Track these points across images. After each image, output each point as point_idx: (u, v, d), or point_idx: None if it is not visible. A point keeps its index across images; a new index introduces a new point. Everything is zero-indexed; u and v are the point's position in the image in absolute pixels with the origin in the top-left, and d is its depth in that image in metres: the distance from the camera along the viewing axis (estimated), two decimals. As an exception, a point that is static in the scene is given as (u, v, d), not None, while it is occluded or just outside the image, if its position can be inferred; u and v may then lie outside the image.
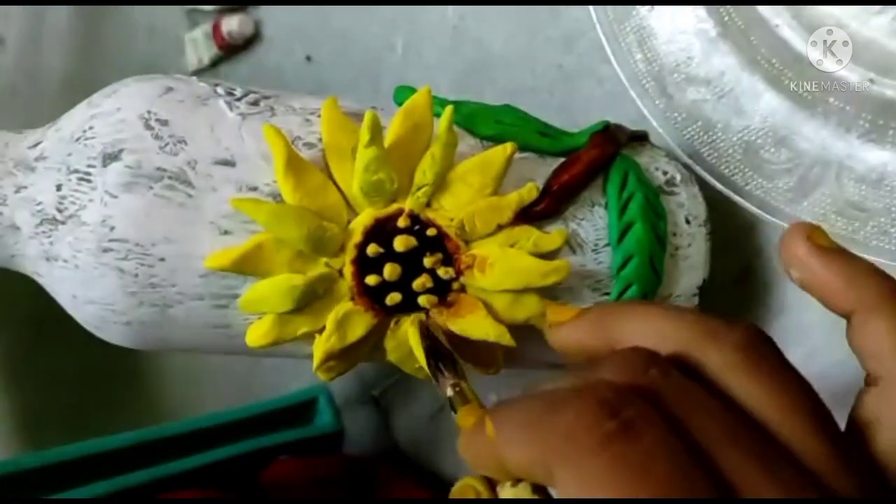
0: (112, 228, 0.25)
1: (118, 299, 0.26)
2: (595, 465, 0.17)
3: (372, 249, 0.26)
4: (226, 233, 0.26)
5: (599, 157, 0.29)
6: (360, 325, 0.27)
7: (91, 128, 0.26)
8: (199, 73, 0.42)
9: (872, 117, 0.32)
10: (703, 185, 0.34)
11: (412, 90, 0.31)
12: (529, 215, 0.28)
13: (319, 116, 0.28)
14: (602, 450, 0.17)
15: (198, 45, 0.41)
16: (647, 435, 0.17)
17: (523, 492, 0.19)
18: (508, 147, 0.28)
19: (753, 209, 0.34)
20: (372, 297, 0.27)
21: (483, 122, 0.29)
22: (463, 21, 0.39)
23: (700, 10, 0.35)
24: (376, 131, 0.26)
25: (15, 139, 0.28)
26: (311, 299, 0.26)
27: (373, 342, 0.28)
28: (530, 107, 0.39)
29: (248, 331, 0.27)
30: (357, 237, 0.26)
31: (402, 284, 0.27)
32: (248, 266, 0.25)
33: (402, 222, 0.27)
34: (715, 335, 0.20)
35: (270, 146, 0.26)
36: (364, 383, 0.39)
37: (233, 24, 0.41)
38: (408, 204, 0.27)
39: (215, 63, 0.42)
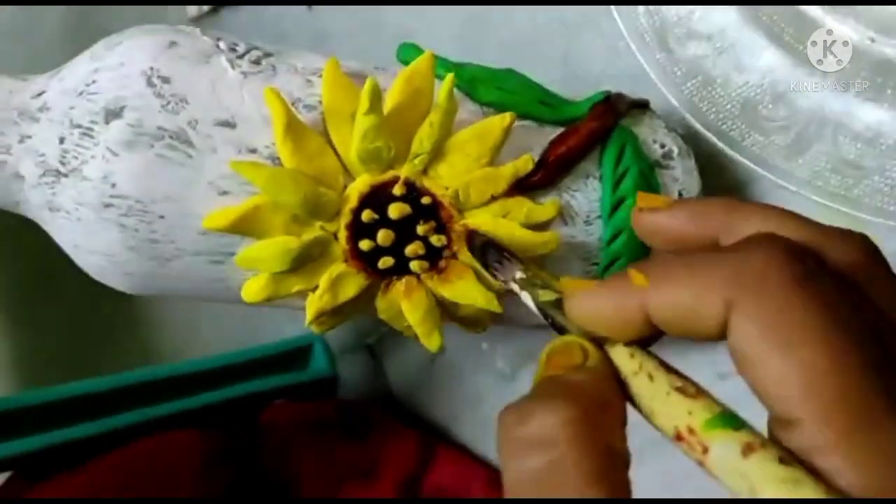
0: (113, 185, 0.26)
1: (119, 252, 0.27)
2: (785, 296, 0.17)
3: (367, 215, 0.27)
4: (224, 193, 0.26)
5: (598, 130, 0.29)
6: (353, 285, 0.28)
7: (94, 81, 0.26)
8: (199, 19, 0.42)
9: (871, 76, 0.33)
10: (701, 140, 0.34)
11: (416, 48, 0.30)
12: (524, 186, 0.28)
13: (321, 77, 0.28)
14: (793, 285, 0.17)
15: (198, -8, 0.41)
16: (831, 285, 0.18)
17: (637, 351, 0.19)
18: (507, 117, 0.28)
19: (749, 164, 0.34)
20: (365, 260, 0.27)
21: (484, 88, 0.29)
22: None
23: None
24: (375, 99, 0.26)
25: (18, 87, 0.28)
26: (306, 261, 0.27)
27: (364, 300, 0.29)
28: (531, 58, 0.39)
29: (244, 286, 0.28)
30: (352, 202, 0.27)
31: (395, 249, 0.27)
32: (244, 227, 0.26)
33: (397, 190, 0.27)
34: (839, 235, 0.20)
35: (270, 110, 0.26)
36: (359, 331, 0.40)
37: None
38: (404, 171, 0.27)
39: (216, 10, 0.41)
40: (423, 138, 0.27)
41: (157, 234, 0.26)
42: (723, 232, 0.21)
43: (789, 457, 0.16)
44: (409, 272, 0.28)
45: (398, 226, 0.27)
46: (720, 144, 0.34)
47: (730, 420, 0.17)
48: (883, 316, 0.19)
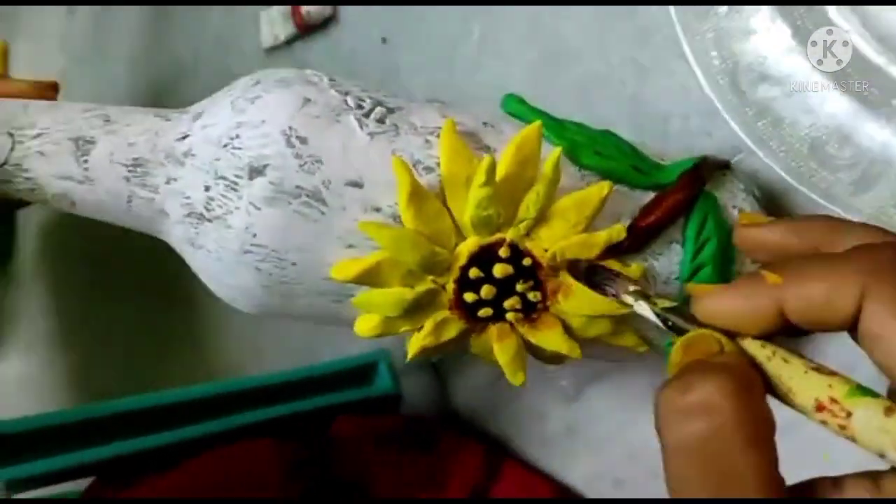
0: (254, 235, 0.29)
1: (252, 288, 0.30)
2: None
3: (473, 273, 0.30)
4: (350, 246, 0.29)
5: (684, 201, 0.32)
6: (454, 328, 0.31)
7: (237, 136, 0.29)
8: (274, 50, 0.43)
9: (932, 120, 0.35)
10: (770, 173, 0.36)
11: (520, 102, 0.33)
12: (614, 250, 0.31)
13: (438, 136, 0.30)
14: None
15: (274, 23, 0.41)
16: None
17: (766, 342, 0.22)
18: (605, 188, 0.30)
19: (818, 199, 0.36)
20: (466, 309, 0.31)
21: (584, 153, 0.32)
22: (540, 11, 0.40)
23: (775, 14, 0.37)
24: (490, 174, 0.29)
25: (163, 127, 0.30)
26: (416, 308, 0.30)
27: (459, 339, 0.32)
28: (603, 96, 0.41)
29: (358, 323, 0.31)
30: (462, 260, 0.30)
31: (494, 301, 0.30)
32: (366, 279, 0.29)
33: (503, 252, 0.30)
34: None
35: (397, 177, 0.28)
36: (424, 350, 0.43)
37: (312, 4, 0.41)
38: (510, 235, 0.30)
39: (290, 41, 0.42)
40: (529, 205, 0.30)
41: (288, 277, 0.30)
42: (824, 244, 0.24)
43: None
44: (504, 321, 0.31)
45: (499, 281, 0.30)
46: (789, 179, 0.37)
47: (867, 390, 0.20)
48: None
